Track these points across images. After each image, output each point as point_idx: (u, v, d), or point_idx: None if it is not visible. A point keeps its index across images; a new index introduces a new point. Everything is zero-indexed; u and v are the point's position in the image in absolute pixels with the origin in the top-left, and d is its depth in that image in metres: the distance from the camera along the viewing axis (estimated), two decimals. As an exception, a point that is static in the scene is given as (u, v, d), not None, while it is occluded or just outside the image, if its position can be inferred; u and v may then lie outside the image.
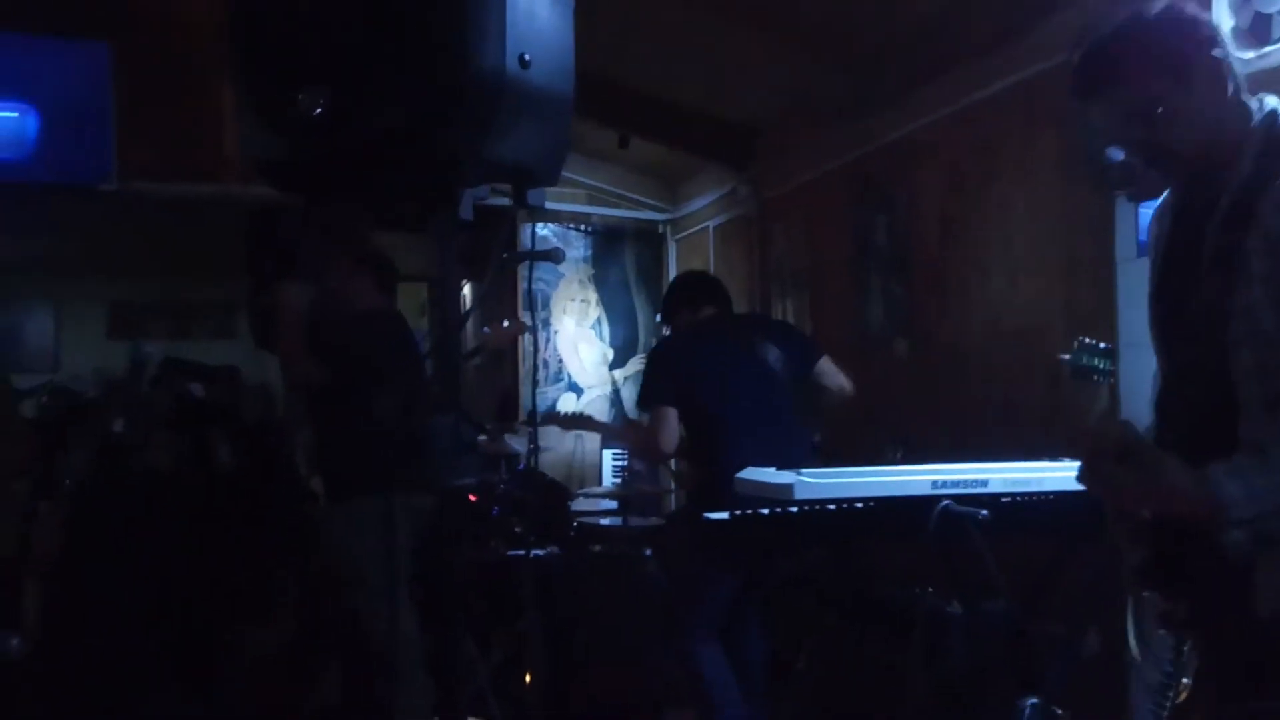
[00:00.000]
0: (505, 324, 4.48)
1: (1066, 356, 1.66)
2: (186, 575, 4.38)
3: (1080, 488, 1.75)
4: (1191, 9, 1.64)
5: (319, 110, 1.66)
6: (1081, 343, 1.64)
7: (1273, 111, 1.57)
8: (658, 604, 3.84)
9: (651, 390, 3.47)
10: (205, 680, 4.29)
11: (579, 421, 4.31)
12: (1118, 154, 1.68)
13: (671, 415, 3.38)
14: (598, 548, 4.07)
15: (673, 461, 3.90)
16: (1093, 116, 1.66)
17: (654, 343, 6.69)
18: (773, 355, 3.47)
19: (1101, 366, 1.63)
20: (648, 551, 4.03)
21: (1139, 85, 1.56)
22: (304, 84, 1.69)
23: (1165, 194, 1.75)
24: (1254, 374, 1.47)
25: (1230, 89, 1.58)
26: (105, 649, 4.11)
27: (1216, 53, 1.58)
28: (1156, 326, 1.70)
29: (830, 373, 3.55)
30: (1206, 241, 1.55)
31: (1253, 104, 1.59)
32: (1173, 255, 1.67)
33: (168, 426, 4.84)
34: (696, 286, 3.76)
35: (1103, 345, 1.66)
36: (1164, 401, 1.66)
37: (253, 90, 1.80)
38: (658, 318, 6.80)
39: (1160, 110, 1.55)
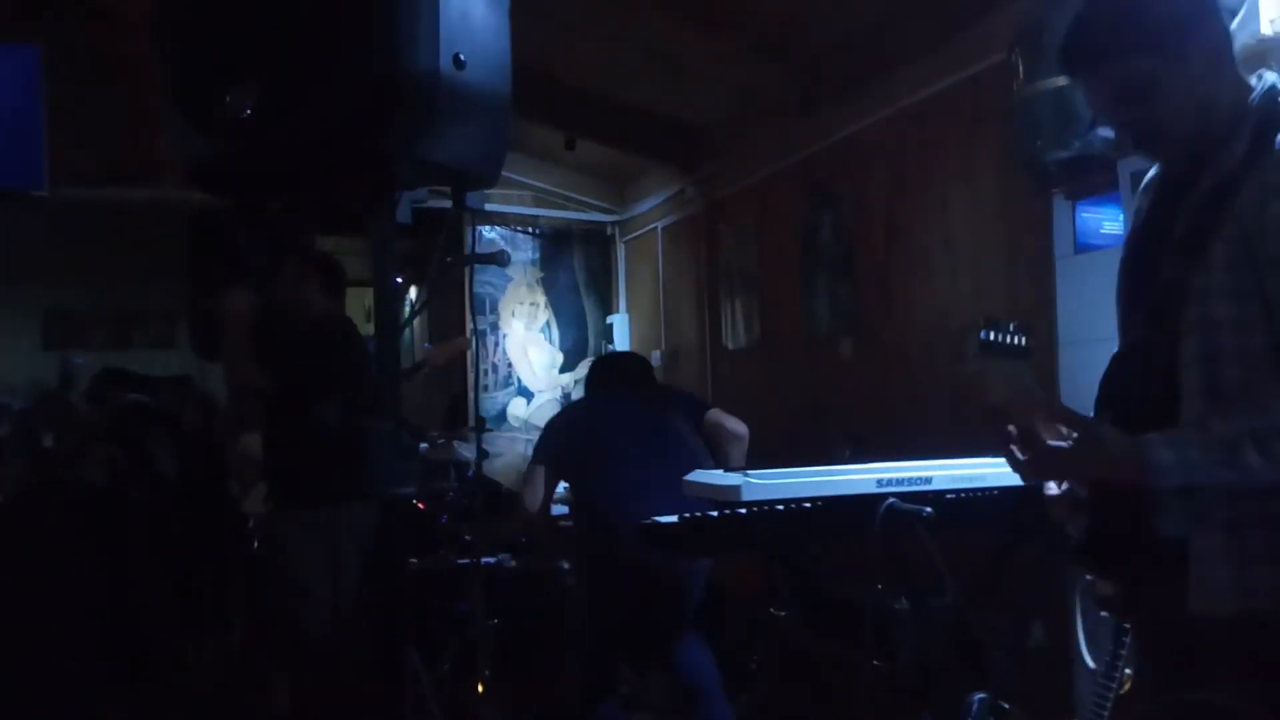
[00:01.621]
0: (446, 344, 4.41)
1: (983, 336, 1.62)
2: (123, 588, 4.27)
3: (1022, 483, 1.77)
4: None
5: (248, 111, 1.62)
6: (988, 321, 1.61)
7: (1272, 87, 1.51)
8: (579, 616, 3.84)
9: (535, 450, 3.60)
10: (147, 694, 4.19)
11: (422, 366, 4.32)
12: (1106, 132, 1.61)
13: (541, 475, 3.48)
14: (514, 563, 4.05)
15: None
16: (1085, 92, 1.59)
17: (607, 349, 6.68)
18: (674, 417, 3.52)
19: (1014, 345, 1.60)
20: (564, 564, 4.01)
21: (1131, 62, 1.49)
22: (232, 84, 1.65)
23: (1153, 169, 1.70)
24: (1199, 360, 1.45)
25: (1227, 62, 1.52)
26: (42, 665, 4.00)
27: (1213, 26, 1.53)
28: (1121, 300, 1.66)
29: (720, 419, 3.55)
30: (1178, 221, 1.52)
31: (1252, 80, 1.53)
32: (1148, 231, 1.63)
33: (102, 438, 4.72)
34: (610, 372, 3.81)
35: (1013, 323, 1.63)
36: (1110, 378, 1.63)
37: (180, 91, 1.76)
38: (608, 319, 6.80)
39: (1153, 87, 1.49)
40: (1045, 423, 1.53)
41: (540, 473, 3.50)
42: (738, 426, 3.52)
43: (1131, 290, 1.64)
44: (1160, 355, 1.50)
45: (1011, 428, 1.54)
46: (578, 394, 6.71)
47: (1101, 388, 1.64)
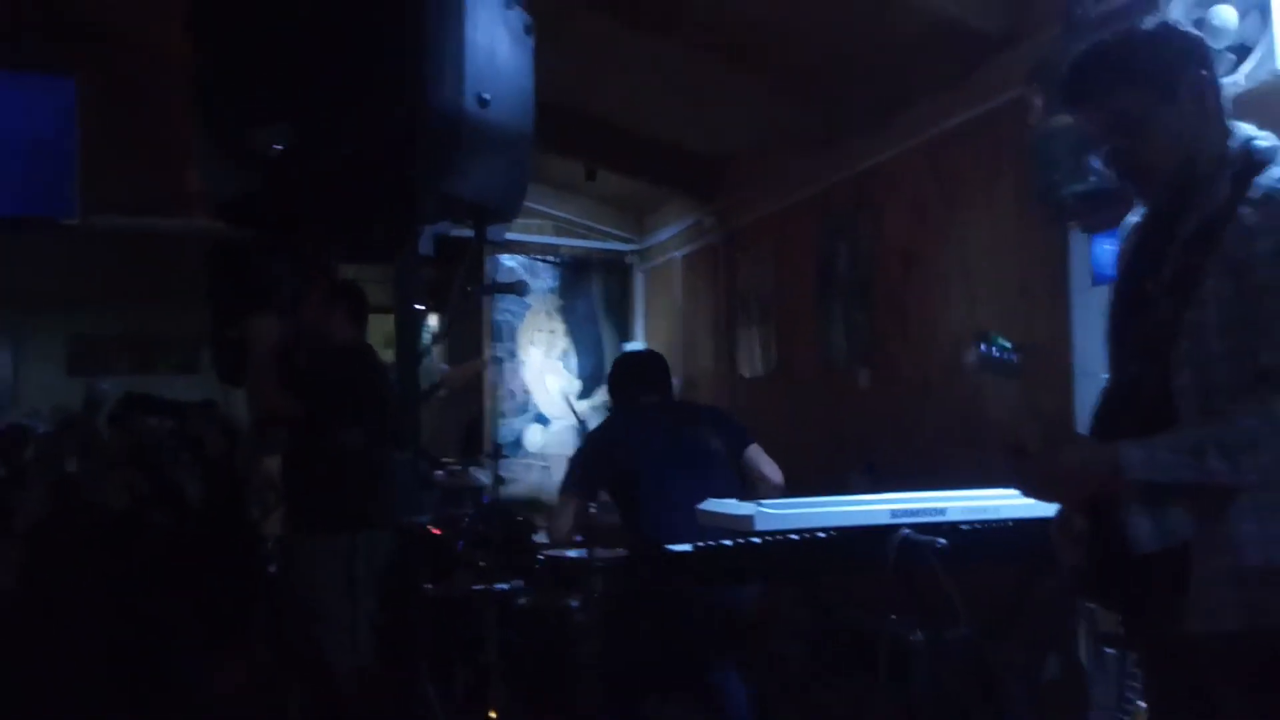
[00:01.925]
0: (463, 365, 4.45)
1: (980, 349, 1.70)
2: (144, 612, 4.30)
3: (1038, 514, 1.80)
4: (1183, 26, 1.67)
5: (278, 147, 1.67)
6: (980, 336, 1.69)
7: (1250, 139, 1.60)
8: (587, 652, 3.82)
9: (567, 476, 3.51)
10: (166, 717, 4.21)
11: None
12: (1095, 162, 1.71)
13: (571, 507, 3.43)
14: (522, 600, 4.02)
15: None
16: (1078, 124, 1.70)
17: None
18: (712, 440, 3.45)
19: (1006, 359, 1.67)
20: (574, 603, 3.99)
21: (1124, 97, 1.58)
22: (264, 122, 1.70)
23: (1133, 214, 1.78)
24: (1193, 393, 1.51)
25: (1215, 108, 1.61)
26: (63, 688, 4.03)
27: (1204, 72, 1.61)
28: (1112, 340, 1.73)
29: (759, 460, 3.50)
30: (1167, 261, 1.58)
31: (1235, 128, 1.62)
32: (1135, 272, 1.70)
33: (125, 464, 4.78)
34: (635, 374, 3.73)
35: (1007, 342, 1.71)
36: (1102, 415, 1.69)
37: (213, 127, 1.81)
38: (625, 348, 6.82)
39: (1142, 123, 1.57)
40: (1031, 434, 1.62)
41: (570, 506, 3.44)
42: (775, 474, 3.46)
43: (1121, 329, 1.70)
44: (1153, 389, 1.56)
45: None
46: (594, 422, 6.72)
47: (1094, 424, 1.69)
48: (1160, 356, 1.54)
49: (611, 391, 3.80)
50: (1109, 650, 2.19)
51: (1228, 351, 1.49)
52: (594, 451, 3.50)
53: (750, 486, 3.45)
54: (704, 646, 3.30)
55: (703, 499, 3.23)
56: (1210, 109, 1.60)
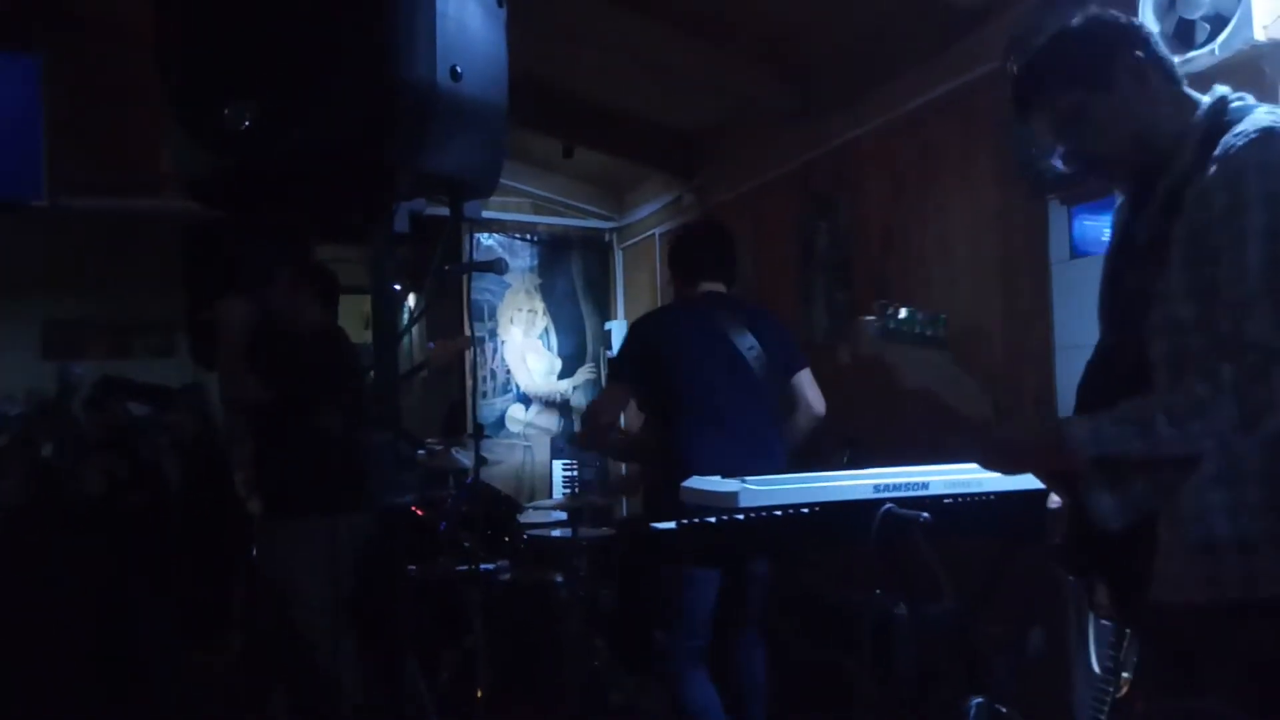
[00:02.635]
0: (449, 341, 4.40)
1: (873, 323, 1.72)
2: (121, 597, 4.27)
3: (1020, 487, 1.81)
4: (1112, 15, 1.68)
5: (246, 124, 1.63)
6: (882, 306, 1.70)
7: (1221, 99, 1.60)
8: (583, 625, 3.78)
9: (615, 363, 3.37)
10: (145, 703, 4.19)
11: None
12: (1057, 164, 1.76)
13: (618, 392, 3.28)
14: (507, 575, 4.01)
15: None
16: (1032, 129, 1.72)
17: (605, 355, 6.68)
18: (755, 352, 3.26)
19: (920, 331, 1.68)
20: (558, 578, 3.98)
21: (1061, 96, 1.62)
22: (232, 98, 1.66)
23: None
24: (1166, 361, 1.51)
25: (1162, 86, 1.62)
26: (40, 675, 4.00)
27: (1139, 53, 1.62)
28: (1099, 312, 1.74)
29: (806, 387, 3.38)
30: (1140, 230, 1.60)
31: (1197, 98, 1.62)
32: (1117, 246, 1.73)
33: (102, 448, 4.73)
34: (698, 258, 3.43)
35: (921, 314, 1.72)
36: (1085, 386, 1.70)
37: (180, 104, 1.77)
38: (606, 326, 6.81)
39: (1081, 118, 1.60)
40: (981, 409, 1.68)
41: (618, 392, 3.28)
42: (819, 403, 3.37)
43: (1106, 303, 1.72)
44: (1129, 359, 1.56)
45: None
46: (576, 400, 6.71)
47: (1078, 395, 1.70)
48: (1135, 325, 1.55)
49: (673, 267, 3.50)
50: (1104, 622, 2.20)
51: (1196, 318, 1.47)
52: (641, 344, 3.29)
53: (790, 407, 3.36)
54: (739, 602, 3.20)
55: (750, 422, 3.19)
56: (1155, 88, 1.61)
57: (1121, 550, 1.56)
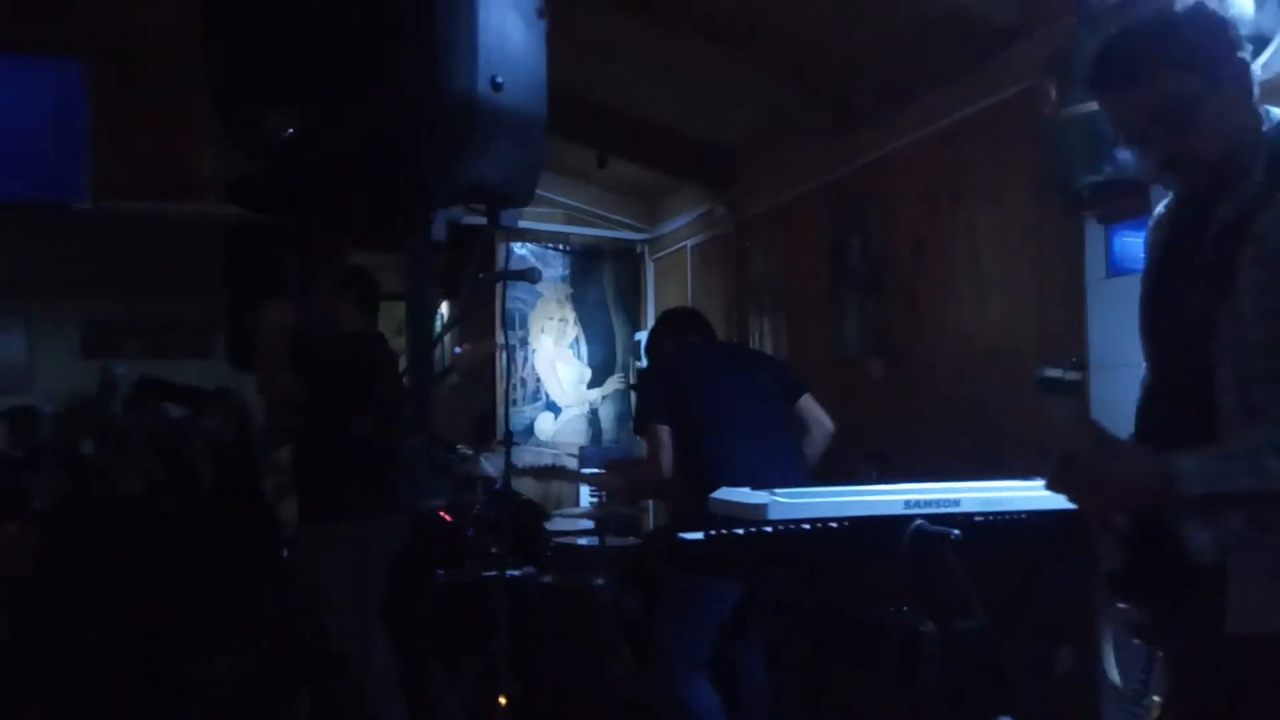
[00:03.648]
0: (476, 345, 4.44)
1: (1045, 372, 1.69)
2: (157, 598, 4.32)
3: (1052, 506, 1.79)
4: (1218, 10, 1.61)
5: (289, 132, 1.66)
6: (1050, 358, 1.67)
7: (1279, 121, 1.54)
8: (613, 631, 3.78)
9: (647, 411, 3.34)
10: (176, 701, 4.23)
11: (555, 473, 4.28)
12: (1126, 156, 1.65)
13: (667, 433, 3.27)
14: (548, 578, 4.02)
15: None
16: (1116, 112, 1.59)
17: (634, 364, 6.69)
18: (763, 376, 3.43)
19: (1068, 379, 1.66)
20: (598, 581, 3.99)
21: (1172, 80, 1.51)
22: (274, 106, 1.69)
23: (1161, 204, 1.73)
24: (1235, 385, 1.47)
25: (1248, 97, 1.55)
26: (75, 672, 4.05)
27: (1242, 59, 1.55)
28: (1146, 334, 1.68)
29: (813, 409, 3.49)
30: (1201, 251, 1.54)
31: (1266, 113, 1.57)
32: (1168, 264, 1.65)
33: (140, 448, 4.79)
34: (683, 319, 3.72)
35: (1073, 358, 1.69)
36: (1145, 410, 1.65)
37: (223, 111, 1.80)
38: (636, 336, 6.82)
39: (1190, 108, 1.50)
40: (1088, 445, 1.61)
41: (666, 433, 3.28)
42: (828, 421, 3.49)
43: (1158, 322, 1.66)
44: (1194, 383, 1.51)
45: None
46: (605, 410, 6.73)
47: (1137, 420, 1.66)
48: (1198, 348, 1.50)
49: (657, 339, 3.70)
50: (1136, 641, 2.17)
51: (1266, 343, 1.44)
52: (662, 383, 3.39)
53: (804, 429, 3.46)
54: (733, 622, 3.24)
55: (770, 432, 3.25)
56: (1247, 95, 1.55)
57: (1184, 579, 1.52)
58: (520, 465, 5.19)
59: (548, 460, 6.37)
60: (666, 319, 3.76)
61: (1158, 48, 1.54)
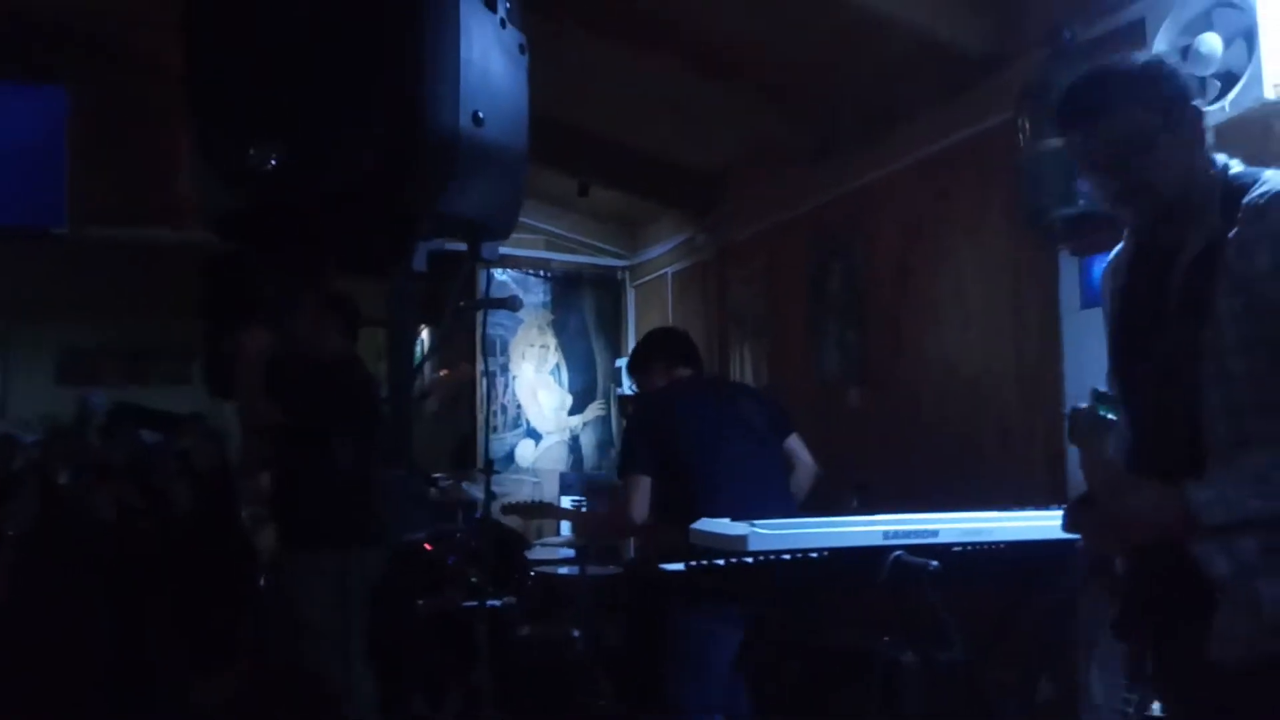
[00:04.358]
0: (453, 369, 4.43)
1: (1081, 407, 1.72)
2: (133, 626, 4.27)
3: (1030, 537, 1.81)
4: (1172, 62, 1.73)
5: (272, 164, 1.67)
6: (1095, 393, 1.71)
7: (1226, 165, 1.64)
8: (592, 664, 3.74)
9: (632, 458, 3.29)
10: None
11: (540, 510, 4.24)
12: (1084, 186, 1.73)
13: (646, 486, 3.21)
14: (525, 630, 3.97)
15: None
16: (1079, 144, 1.68)
17: (616, 392, 6.69)
18: (757, 416, 3.37)
19: (1105, 415, 1.69)
20: (575, 633, 3.95)
21: (1135, 116, 1.60)
22: (258, 139, 1.69)
23: (1116, 250, 1.79)
24: (1222, 414, 1.51)
25: (1200, 142, 1.65)
26: (51, 700, 4.00)
27: (1197, 103, 1.67)
28: (1120, 378, 1.72)
29: (799, 450, 3.45)
30: (1172, 288, 1.59)
31: (1214, 158, 1.66)
32: (1133, 306, 1.71)
33: (117, 475, 4.75)
34: (671, 345, 3.60)
35: (1106, 392, 1.72)
36: (1136, 451, 1.68)
37: (206, 143, 1.81)
38: (617, 363, 6.83)
39: (1150, 144, 1.59)
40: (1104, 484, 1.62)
41: (645, 484, 3.21)
42: (814, 465, 3.45)
43: (1131, 364, 1.69)
44: (1177, 418, 1.56)
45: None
46: (585, 437, 6.72)
47: (1130, 458, 1.68)
48: (1180, 382, 1.55)
49: (641, 366, 3.62)
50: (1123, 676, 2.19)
51: (1248, 370, 1.49)
52: (647, 427, 3.32)
53: (789, 470, 3.41)
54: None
55: (761, 476, 3.22)
56: (1200, 141, 1.65)
57: (1183, 610, 1.54)
58: (501, 496, 5.16)
59: (528, 491, 6.34)
60: (659, 345, 3.62)
61: (1122, 85, 1.64)
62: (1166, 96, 1.62)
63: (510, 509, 4.17)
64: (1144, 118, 1.60)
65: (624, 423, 3.67)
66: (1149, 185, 1.61)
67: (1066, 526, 1.65)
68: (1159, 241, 1.66)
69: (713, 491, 3.12)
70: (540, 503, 4.43)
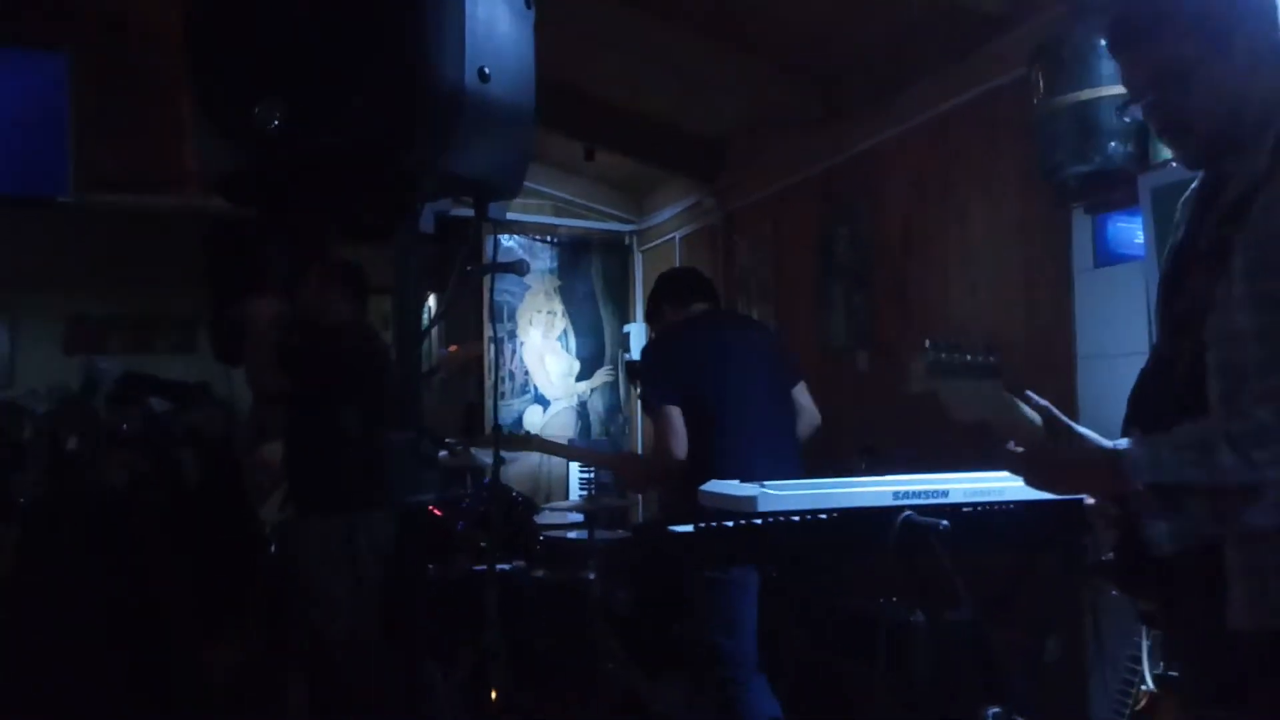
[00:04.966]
0: (463, 346, 4.41)
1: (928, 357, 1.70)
2: (143, 594, 4.30)
3: (1041, 497, 1.79)
4: None
5: (276, 123, 1.64)
6: (935, 343, 1.67)
7: None
8: (603, 627, 3.76)
9: (655, 390, 3.19)
10: (164, 697, 4.22)
11: (557, 449, 4.21)
12: (1136, 113, 1.60)
13: (677, 415, 3.12)
14: (541, 573, 3.99)
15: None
16: (1123, 72, 1.58)
17: (624, 358, 6.68)
18: (766, 359, 3.33)
19: (983, 361, 1.66)
20: (590, 575, 3.97)
21: (1171, 45, 1.49)
22: (261, 97, 1.67)
23: (1195, 182, 1.67)
24: (1219, 371, 1.44)
25: (1266, 66, 1.49)
26: (60, 669, 4.03)
27: (1262, 25, 1.50)
28: (1157, 313, 1.66)
29: (804, 398, 3.44)
30: (1204, 232, 1.51)
31: None
32: (1181, 245, 1.62)
33: (126, 443, 4.77)
34: (677, 284, 3.52)
35: (978, 344, 1.69)
36: (1137, 393, 1.63)
37: (209, 103, 1.78)
38: (625, 328, 6.82)
39: (1185, 75, 1.48)
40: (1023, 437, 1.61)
41: (678, 415, 3.12)
42: (817, 415, 3.46)
43: (1169, 302, 1.61)
44: (1185, 369, 1.49)
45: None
46: (594, 402, 6.72)
47: (1129, 404, 1.65)
48: (1192, 333, 1.47)
49: (653, 314, 3.57)
50: (1130, 629, 2.17)
51: (1257, 329, 1.40)
52: (671, 360, 3.26)
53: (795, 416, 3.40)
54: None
55: (775, 426, 3.21)
56: (1262, 64, 1.49)
57: (1176, 572, 1.51)
58: (509, 461, 5.16)
59: (536, 457, 6.33)
60: (669, 283, 3.55)
61: (1161, 9, 1.52)
62: (1214, 17, 1.48)
63: (519, 442, 4.00)
64: (1184, 46, 1.47)
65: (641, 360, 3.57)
66: (1185, 123, 1.51)
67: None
68: (1211, 178, 1.55)
69: (732, 444, 3.10)
70: (559, 443, 4.36)
